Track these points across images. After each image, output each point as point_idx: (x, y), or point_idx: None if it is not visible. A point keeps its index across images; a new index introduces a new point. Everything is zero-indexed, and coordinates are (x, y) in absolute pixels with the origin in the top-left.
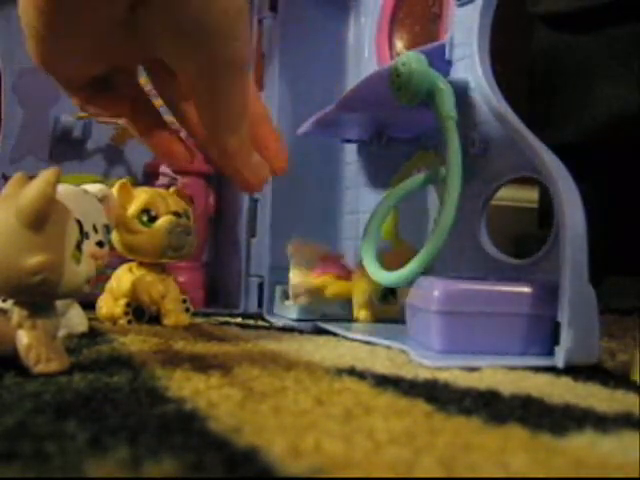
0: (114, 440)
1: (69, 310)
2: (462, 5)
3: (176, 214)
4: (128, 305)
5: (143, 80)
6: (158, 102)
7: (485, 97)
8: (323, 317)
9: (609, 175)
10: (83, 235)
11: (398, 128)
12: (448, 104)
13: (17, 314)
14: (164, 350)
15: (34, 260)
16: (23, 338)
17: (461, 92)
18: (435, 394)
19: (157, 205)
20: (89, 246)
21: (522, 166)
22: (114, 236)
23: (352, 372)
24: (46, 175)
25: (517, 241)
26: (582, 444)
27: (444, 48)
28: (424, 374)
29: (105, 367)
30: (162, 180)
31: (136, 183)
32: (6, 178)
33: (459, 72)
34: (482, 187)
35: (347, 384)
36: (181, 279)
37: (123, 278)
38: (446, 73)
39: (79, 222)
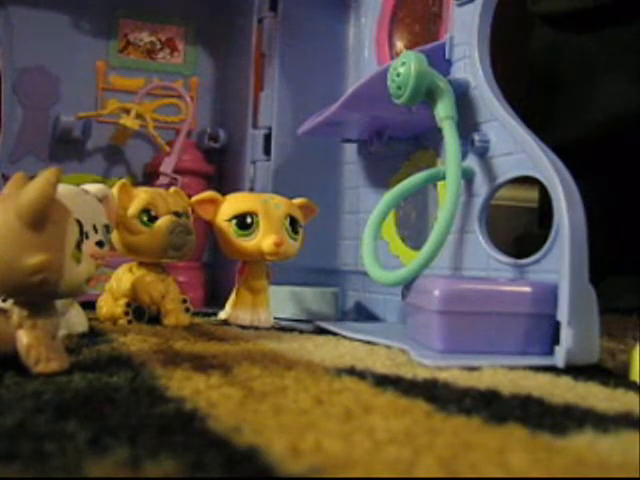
0: (114, 440)
1: (69, 310)
2: (462, 5)
3: (176, 214)
4: (128, 305)
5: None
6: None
7: (485, 97)
8: None
9: (609, 175)
10: (83, 235)
11: (398, 128)
12: (448, 104)
13: (17, 314)
14: (164, 350)
15: (34, 260)
16: (23, 338)
17: (461, 92)
18: (435, 394)
19: (157, 205)
20: (89, 246)
21: (522, 166)
22: (114, 236)
23: (352, 372)
24: (46, 175)
25: (517, 241)
26: (582, 444)
27: (444, 48)
28: (424, 374)
29: (105, 367)
30: (162, 180)
31: (136, 183)
32: (6, 178)
33: (459, 72)
34: (482, 187)
35: (347, 384)
36: (181, 279)
37: (123, 278)
38: (446, 73)
39: (79, 222)
